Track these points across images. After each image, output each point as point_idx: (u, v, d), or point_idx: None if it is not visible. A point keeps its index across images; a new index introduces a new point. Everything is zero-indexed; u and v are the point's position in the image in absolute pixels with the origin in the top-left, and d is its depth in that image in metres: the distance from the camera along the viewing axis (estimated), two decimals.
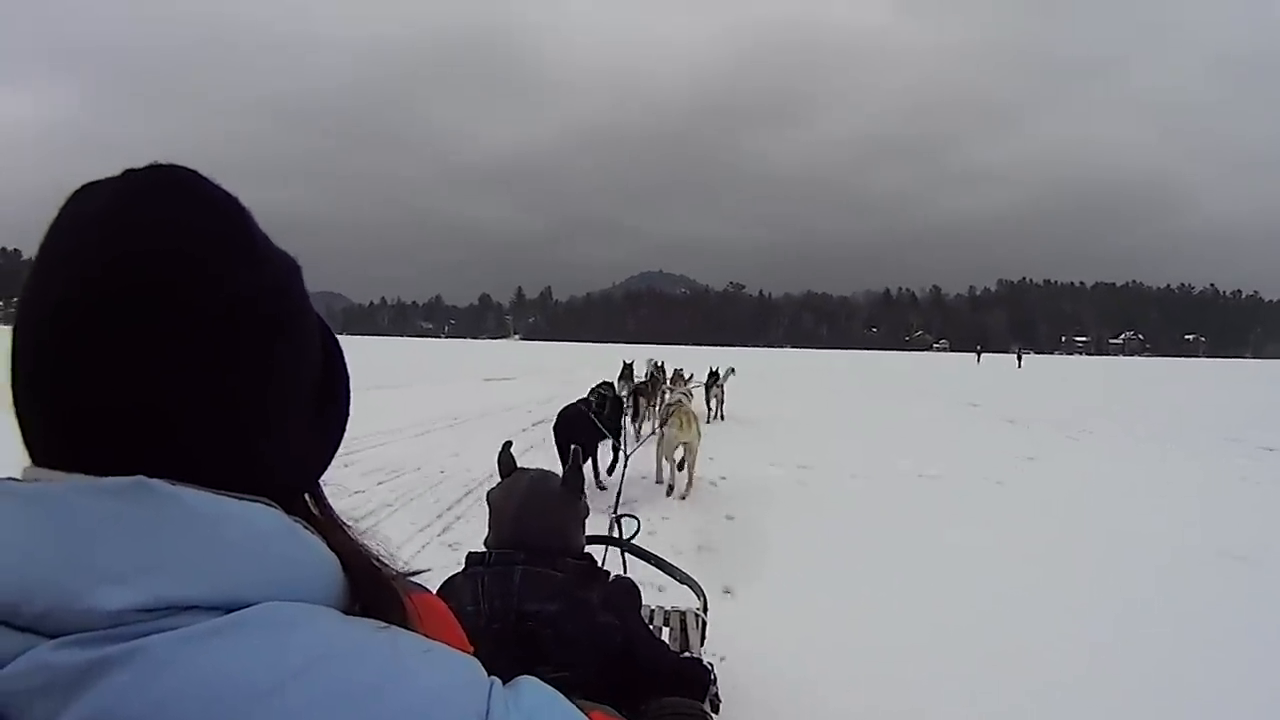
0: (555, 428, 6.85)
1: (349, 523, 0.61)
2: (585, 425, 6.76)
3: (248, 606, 0.43)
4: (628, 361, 12.54)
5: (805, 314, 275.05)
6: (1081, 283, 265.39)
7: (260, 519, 0.47)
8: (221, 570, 0.44)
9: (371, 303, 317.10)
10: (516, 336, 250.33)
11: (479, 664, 0.54)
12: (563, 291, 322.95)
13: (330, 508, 0.61)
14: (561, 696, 0.59)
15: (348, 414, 0.61)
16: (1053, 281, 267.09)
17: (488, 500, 1.66)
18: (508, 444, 1.83)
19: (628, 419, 8.83)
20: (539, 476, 1.68)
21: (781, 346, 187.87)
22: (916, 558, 5.03)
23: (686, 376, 13.10)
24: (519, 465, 1.76)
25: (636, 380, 11.43)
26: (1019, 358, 57.54)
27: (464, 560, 1.57)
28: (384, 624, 0.50)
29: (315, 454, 0.58)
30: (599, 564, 1.67)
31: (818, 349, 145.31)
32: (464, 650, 0.69)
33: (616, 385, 9.47)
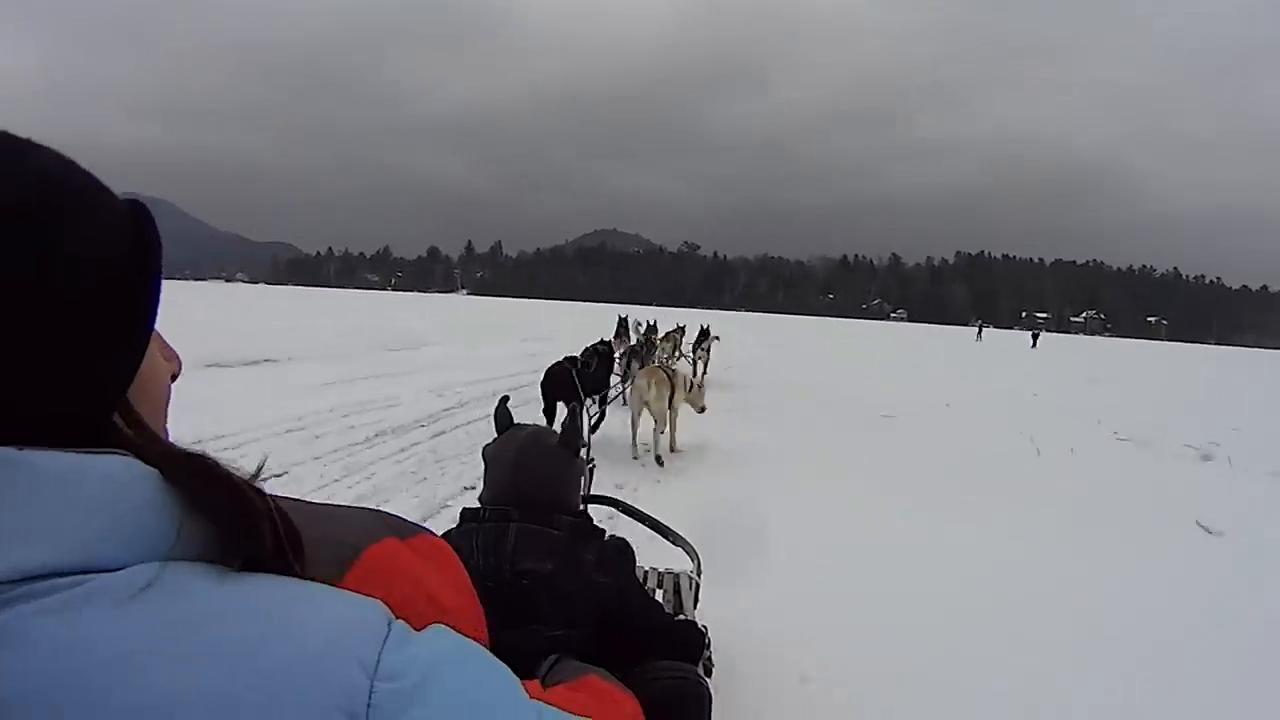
0: (541, 385, 6.96)
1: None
2: (567, 384, 6.88)
3: (112, 568, 0.42)
4: (623, 316, 12.17)
5: (761, 278, 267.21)
6: (1041, 259, 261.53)
7: (115, 472, 0.44)
8: (80, 533, 0.41)
9: (319, 253, 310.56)
10: (464, 291, 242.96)
11: (381, 608, 0.50)
12: (513, 247, 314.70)
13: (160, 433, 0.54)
14: (474, 646, 0.55)
15: (144, 309, 0.52)
16: (1012, 256, 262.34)
17: (483, 455, 1.63)
18: (504, 399, 1.82)
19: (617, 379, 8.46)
20: (536, 432, 1.64)
21: (736, 309, 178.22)
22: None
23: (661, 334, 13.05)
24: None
25: (631, 341, 10.96)
26: (1034, 336, 48.05)
27: (458, 516, 1.54)
28: (265, 573, 0.47)
29: (109, 360, 0.49)
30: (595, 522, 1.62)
31: (773, 313, 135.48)
32: (466, 591, 0.68)
33: (614, 344, 8.77)
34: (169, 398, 0.57)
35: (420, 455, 6.16)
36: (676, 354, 12.83)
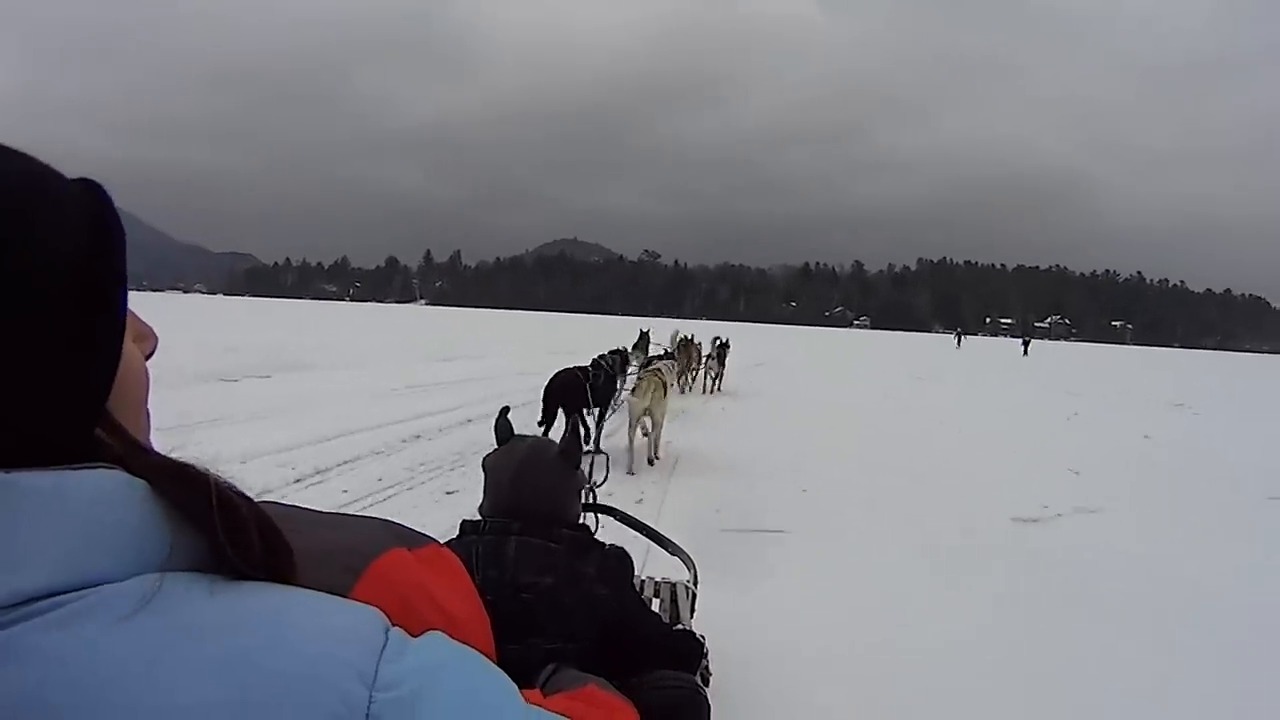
0: (546, 391, 6.71)
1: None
2: (577, 392, 6.66)
3: (109, 583, 0.42)
4: (644, 330, 12.17)
5: (721, 286, 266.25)
6: (1003, 265, 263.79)
7: (102, 486, 0.44)
8: (72, 551, 0.41)
9: (276, 263, 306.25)
10: (423, 301, 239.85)
11: (378, 616, 0.50)
12: (472, 256, 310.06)
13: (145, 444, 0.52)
14: (470, 652, 0.55)
15: (111, 313, 0.50)
16: (974, 263, 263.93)
17: (484, 466, 1.61)
18: (505, 409, 1.80)
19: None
20: (536, 444, 1.63)
21: (697, 318, 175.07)
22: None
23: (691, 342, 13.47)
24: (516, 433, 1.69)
25: (652, 352, 10.95)
26: (1025, 344, 45.66)
27: (458, 527, 1.53)
28: (257, 582, 0.47)
29: (85, 374, 0.48)
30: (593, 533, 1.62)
31: (734, 321, 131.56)
32: (473, 600, 0.68)
33: (631, 355, 8.79)
34: (148, 386, 0.55)
35: None
36: (700, 362, 13.49)
